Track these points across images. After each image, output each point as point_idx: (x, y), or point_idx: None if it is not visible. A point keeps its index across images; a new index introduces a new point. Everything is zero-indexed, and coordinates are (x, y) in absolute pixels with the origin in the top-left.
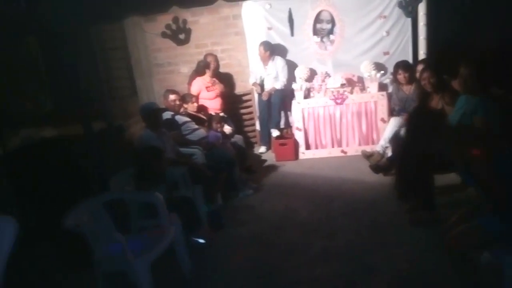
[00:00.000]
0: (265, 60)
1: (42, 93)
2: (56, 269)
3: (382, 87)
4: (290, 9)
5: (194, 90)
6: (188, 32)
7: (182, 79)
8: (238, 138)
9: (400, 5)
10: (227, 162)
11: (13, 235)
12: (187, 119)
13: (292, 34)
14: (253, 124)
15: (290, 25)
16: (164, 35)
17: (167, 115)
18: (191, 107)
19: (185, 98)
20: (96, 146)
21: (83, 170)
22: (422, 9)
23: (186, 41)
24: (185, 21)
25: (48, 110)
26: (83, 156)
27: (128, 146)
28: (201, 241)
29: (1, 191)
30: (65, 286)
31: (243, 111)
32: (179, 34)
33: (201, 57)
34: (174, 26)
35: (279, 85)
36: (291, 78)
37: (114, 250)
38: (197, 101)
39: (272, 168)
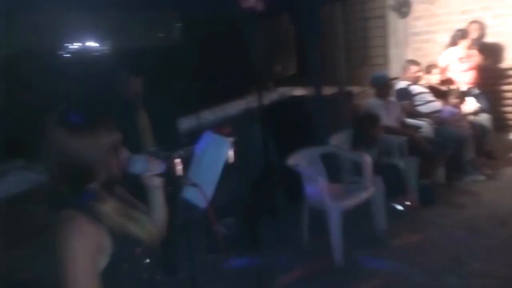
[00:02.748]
0: None
1: (289, 59)
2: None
3: None
4: None
5: (443, 61)
6: (408, 5)
7: (438, 49)
8: (484, 117)
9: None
10: (456, 141)
11: (228, 151)
12: (423, 90)
13: None
14: None
15: None
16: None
17: (402, 84)
18: (434, 79)
19: (428, 69)
20: (324, 107)
21: (313, 124)
22: None
23: (406, 14)
24: None
25: (293, 73)
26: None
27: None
28: (399, 207)
29: (258, 133)
30: (283, 214)
31: (505, 87)
32: (402, 8)
33: (464, 25)
34: None
35: None
36: None
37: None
38: (443, 72)
39: None
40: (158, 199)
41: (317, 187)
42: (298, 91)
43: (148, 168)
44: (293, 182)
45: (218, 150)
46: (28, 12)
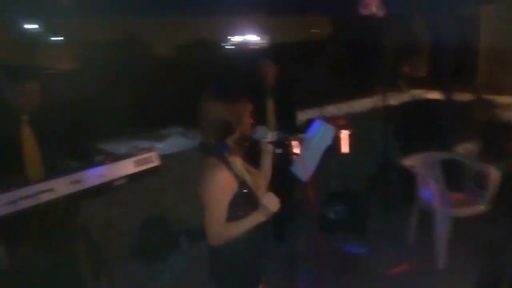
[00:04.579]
0: None
1: (421, 61)
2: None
3: None
4: None
5: None
6: None
7: None
8: None
9: None
10: None
11: (332, 138)
12: None
13: None
14: None
15: None
16: None
17: None
18: None
19: None
20: (455, 113)
21: (440, 129)
22: None
23: None
24: None
25: (423, 75)
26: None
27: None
28: None
29: (382, 131)
30: (394, 211)
31: None
32: None
33: None
34: None
35: None
36: None
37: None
38: None
39: None
40: (267, 161)
41: (429, 190)
42: (432, 94)
43: (266, 136)
44: (408, 182)
45: (323, 136)
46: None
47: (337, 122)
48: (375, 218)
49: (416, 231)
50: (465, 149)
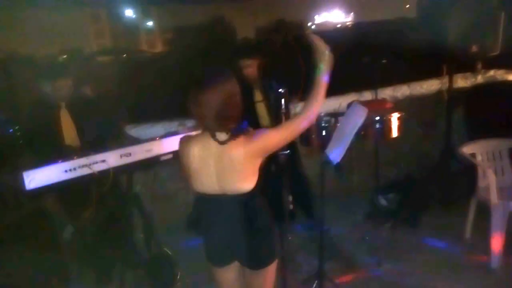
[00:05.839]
0: None
1: (490, 38)
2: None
3: None
4: None
5: None
6: None
7: None
8: None
9: None
10: None
11: (362, 120)
12: None
13: None
14: None
15: None
16: None
17: None
18: None
19: None
20: None
21: None
22: None
23: None
24: None
25: (495, 54)
26: None
27: None
28: None
29: (445, 115)
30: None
31: None
32: None
33: None
34: None
35: None
36: None
37: None
38: None
39: None
40: None
41: (487, 181)
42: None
43: None
44: (471, 172)
45: (356, 117)
46: None
47: (383, 105)
48: (431, 209)
49: (475, 226)
50: None
